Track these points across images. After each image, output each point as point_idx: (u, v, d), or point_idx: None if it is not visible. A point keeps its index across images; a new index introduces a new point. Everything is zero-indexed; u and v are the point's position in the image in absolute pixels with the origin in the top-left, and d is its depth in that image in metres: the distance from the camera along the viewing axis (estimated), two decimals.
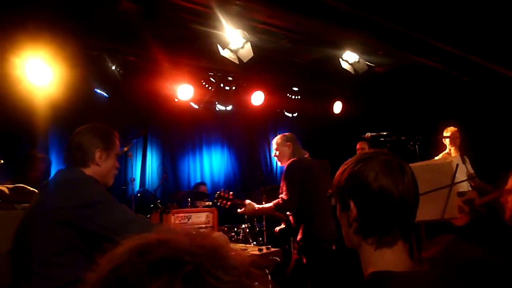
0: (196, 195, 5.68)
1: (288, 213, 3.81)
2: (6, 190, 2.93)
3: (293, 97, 6.63)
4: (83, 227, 1.84)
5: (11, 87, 4.18)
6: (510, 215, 2.21)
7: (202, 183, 6.38)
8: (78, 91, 4.64)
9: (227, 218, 5.64)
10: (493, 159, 5.22)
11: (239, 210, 4.10)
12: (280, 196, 3.68)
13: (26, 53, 4.08)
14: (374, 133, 3.97)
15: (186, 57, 5.29)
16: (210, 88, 5.70)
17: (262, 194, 5.39)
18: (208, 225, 4.33)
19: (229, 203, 4.06)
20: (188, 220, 4.24)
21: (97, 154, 2.04)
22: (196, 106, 6.00)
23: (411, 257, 1.14)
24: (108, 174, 2.11)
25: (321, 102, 6.91)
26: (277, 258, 3.46)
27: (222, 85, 5.83)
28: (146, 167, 6.10)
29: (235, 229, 5.30)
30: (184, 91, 5.46)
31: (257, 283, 0.60)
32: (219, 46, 4.37)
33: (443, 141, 5.11)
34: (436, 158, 4.99)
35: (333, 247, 3.71)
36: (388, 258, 1.11)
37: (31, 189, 3.09)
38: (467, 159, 4.99)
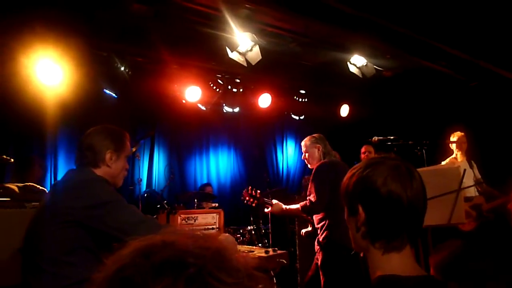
0: (202, 196, 5.70)
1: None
2: (16, 189, 2.96)
3: (300, 99, 6.63)
4: (92, 227, 1.86)
5: (21, 87, 4.22)
6: None
7: (208, 184, 6.39)
8: (87, 91, 4.69)
9: (233, 220, 5.66)
10: (501, 164, 5.20)
11: (266, 210, 3.95)
12: (308, 198, 3.54)
13: (36, 54, 4.12)
14: (381, 137, 3.95)
15: (194, 59, 5.31)
16: (217, 90, 5.71)
17: (268, 196, 5.37)
18: (214, 226, 4.36)
19: (256, 201, 3.90)
20: (195, 221, 4.27)
21: (108, 155, 2.06)
22: (203, 108, 6.02)
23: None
24: (118, 175, 2.13)
25: (328, 105, 6.90)
26: (283, 260, 3.46)
27: (229, 87, 5.85)
28: (153, 168, 6.12)
29: (241, 230, 5.32)
30: (192, 93, 5.49)
31: (260, 285, 0.60)
32: (227, 49, 4.37)
33: (450, 146, 5.10)
34: (443, 163, 4.98)
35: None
36: (395, 262, 1.12)
37: (41, 188, 3.13)
38: (474, 164, 4.96)
